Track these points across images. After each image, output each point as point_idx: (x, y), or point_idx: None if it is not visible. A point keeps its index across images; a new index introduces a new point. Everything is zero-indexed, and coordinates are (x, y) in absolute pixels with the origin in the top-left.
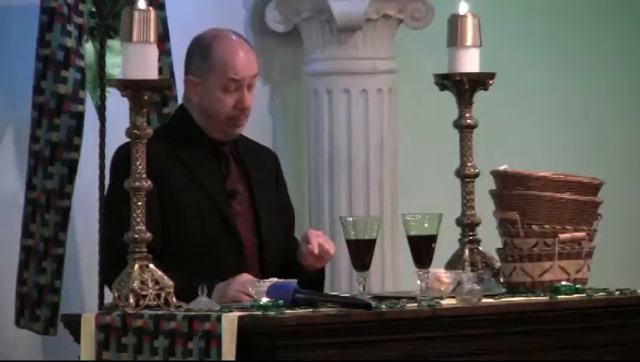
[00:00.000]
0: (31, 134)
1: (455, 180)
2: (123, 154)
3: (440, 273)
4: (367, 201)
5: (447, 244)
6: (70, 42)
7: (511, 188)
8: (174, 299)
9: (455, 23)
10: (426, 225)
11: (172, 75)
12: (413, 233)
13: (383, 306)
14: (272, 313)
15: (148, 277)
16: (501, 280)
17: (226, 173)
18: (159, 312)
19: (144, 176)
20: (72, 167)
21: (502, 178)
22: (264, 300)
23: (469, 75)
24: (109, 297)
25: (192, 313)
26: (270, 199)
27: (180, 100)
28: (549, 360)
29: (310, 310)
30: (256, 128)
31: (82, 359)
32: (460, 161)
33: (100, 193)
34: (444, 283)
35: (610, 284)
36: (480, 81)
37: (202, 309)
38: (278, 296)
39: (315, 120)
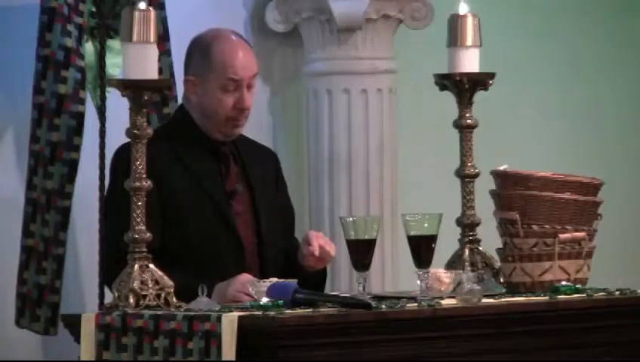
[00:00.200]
0: (31, 134)
1: (455, 180)
2: (123, 155)
3: (440, 273)
4: (367, 201)
5: (447, 244)
6: (70, 42)
7: (511, 188)
8: (174, 299)
9: (455, 23)
10: (426, 225)
11: (172, 75)
12: (413, 233)
13: (383, 306)
14: (272, 313)
15: (148, 277)
16: (501, 280)
17: (226, 173)
18: (159, 312)
19: (144, 176)
20: (72, 166)
21: (502, 178)
22: (264, 300)
23: (469, 75)
24: (109, 297)
25: (192, 313)
26: (270, 199)
27: (179, 100)
28: (549, 360)
29: (310, 310)
30: (256, 128)
31: (82, 359)
32: (460, 161)
33: (100, 193)
34: (444, 283)
35: (610, 284)
36: (480, 81)
37: (202, 309)
38: (278, 296)
39: (315, 120)
